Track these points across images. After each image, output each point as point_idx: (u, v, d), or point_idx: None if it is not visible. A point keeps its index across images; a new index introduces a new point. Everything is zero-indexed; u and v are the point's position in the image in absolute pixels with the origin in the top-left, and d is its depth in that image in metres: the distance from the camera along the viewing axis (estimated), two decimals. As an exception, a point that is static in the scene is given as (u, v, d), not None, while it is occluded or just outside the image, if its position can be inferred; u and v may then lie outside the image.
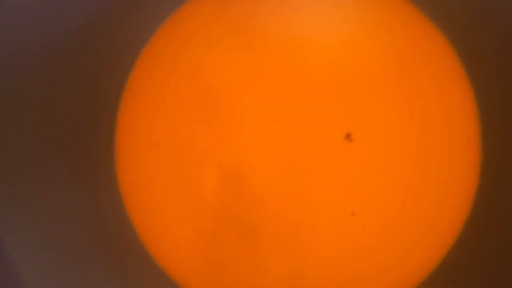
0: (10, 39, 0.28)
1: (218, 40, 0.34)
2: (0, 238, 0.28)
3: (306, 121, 0.33)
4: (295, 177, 0.33)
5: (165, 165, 0.33)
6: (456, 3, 0.33)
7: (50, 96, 0.30)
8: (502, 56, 0.32)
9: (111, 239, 0.32)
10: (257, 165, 0.33)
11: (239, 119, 0.33)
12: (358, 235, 0.33)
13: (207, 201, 0.33)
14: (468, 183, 0.33)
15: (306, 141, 0.33)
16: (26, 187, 0.30)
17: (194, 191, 0.33)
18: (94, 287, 0.30)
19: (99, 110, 0.33)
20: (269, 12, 0.34)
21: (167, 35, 0.34)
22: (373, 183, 0.33)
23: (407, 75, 0.34)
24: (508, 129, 0.33)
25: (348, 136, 0.33)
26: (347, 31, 0.34)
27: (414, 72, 0.34)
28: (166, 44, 0.34)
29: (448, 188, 0.34)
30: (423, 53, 0.34)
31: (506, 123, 0.33)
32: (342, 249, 0.33)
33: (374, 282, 0.33)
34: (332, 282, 0.33)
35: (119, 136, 0.34)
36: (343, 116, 0.33)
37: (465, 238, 0.33)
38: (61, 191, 0.31)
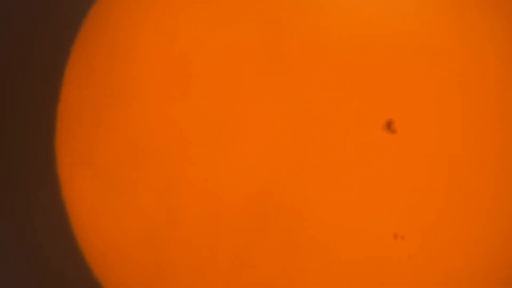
0: None
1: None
2: None
3: (325, 104, 0.30)
4: (311, 183, 0.30)
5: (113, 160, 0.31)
6: None
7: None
8: None
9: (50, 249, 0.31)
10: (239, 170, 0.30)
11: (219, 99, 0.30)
12: (402, 266, 0.30)
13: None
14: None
15: (326, 132, 0.30)
16: None
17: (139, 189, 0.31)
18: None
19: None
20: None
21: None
22: (424, 193, 0.30)
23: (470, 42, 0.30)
24: None
25: (389, 125, 0.29)
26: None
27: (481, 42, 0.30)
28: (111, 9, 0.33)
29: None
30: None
31: None
32: (379, 286, 0.29)
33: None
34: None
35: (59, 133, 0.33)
36: (382, 96, 0.30)
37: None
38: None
